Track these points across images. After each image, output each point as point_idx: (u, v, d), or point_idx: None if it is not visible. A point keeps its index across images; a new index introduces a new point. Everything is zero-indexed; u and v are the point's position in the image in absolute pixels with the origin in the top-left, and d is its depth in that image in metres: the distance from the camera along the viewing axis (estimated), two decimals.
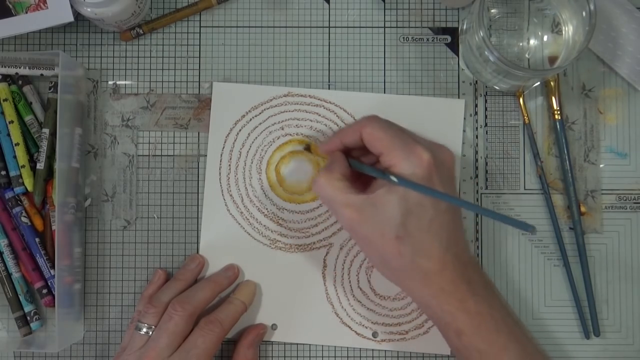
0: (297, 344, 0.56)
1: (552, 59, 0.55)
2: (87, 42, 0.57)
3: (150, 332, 0.50)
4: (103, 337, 0.57)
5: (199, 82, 0.57)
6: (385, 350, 0.56)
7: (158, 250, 0.57)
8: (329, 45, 0.57)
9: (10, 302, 0.56)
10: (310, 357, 0.56)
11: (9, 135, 0.55)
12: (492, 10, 0.56)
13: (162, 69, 0.57)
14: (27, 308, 0.56)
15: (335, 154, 0.51)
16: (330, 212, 0.56)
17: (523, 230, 0.41)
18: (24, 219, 0.55)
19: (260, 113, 0.57)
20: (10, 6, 0.52)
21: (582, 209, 0.56)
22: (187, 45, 0.57)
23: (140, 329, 0.51)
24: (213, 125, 0.57)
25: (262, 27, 0.57)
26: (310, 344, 0.56)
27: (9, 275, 0.56)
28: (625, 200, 0.56)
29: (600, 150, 0.57)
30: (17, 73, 0.55)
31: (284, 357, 0.56)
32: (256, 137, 0.57)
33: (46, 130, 0.54)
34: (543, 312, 0.56)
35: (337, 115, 0.57)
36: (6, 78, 0.56)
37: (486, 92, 0.57)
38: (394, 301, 0.56)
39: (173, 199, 0.57)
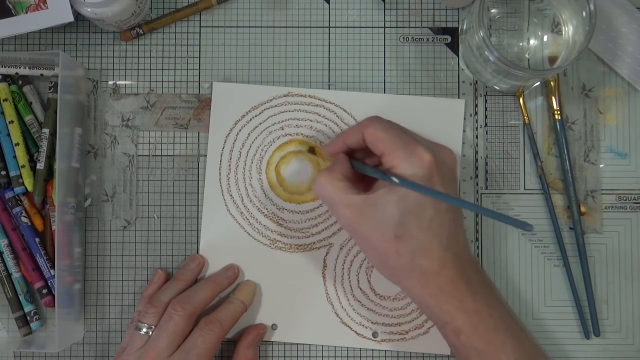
0: (297, 344, 0.56)
1: (552, 59, 0.55)
2: (87, 42, 0.57)
3: (150, 332, 0.50)
4: (103, 337, 0.57)
5: (199, 82, 0.57)
6: (385, 350, 0.56)
7: (158, 250, 0.57)
8: (329, 45, 0.57)
9: (10, 302, 0.56)
10: (310, 357, 0.56)
11: (9, 135, 0.55)
12: (492, 10, 0.56)
13: (162, 69, 0.57)
14: (27, 308, 0.56)
15: (338, 156, 0.51)
16: (330, 212, 0.56)
17: (520, 229, 0.42)
18: (24, 219, 0.55)
19: (260, 113, 0.57)
20: (10, 6, 0.52)
21: (582, 209, 0.56)
22: (187, 45, 0.57)
23: (140, 329, 0.51)
24: (213, 125, 0.57)
25: (262, 27, 0.57)
26: (310, 344, 0.56)
27: (9, 275, 0.56)
28: (625, 200, 0.56)
29: (600, 150, 0.57)
30: (17, 73, 0.55)
31: (284, 357, 0.56)
32: (256, 137, 0.57)
33: (46, 130, 0.54)
34: (543, 312, 0.56)
35: (337, 115, 0.57)
36: (6, 78, 0.56)
37: (486, 92, 0.57)
38: (394, 301, 0.56)
39: (173, 199, 0.57)
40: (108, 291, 0.57)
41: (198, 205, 0.57)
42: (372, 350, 0.56)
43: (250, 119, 0.57)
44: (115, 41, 0.57)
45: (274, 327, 0.56)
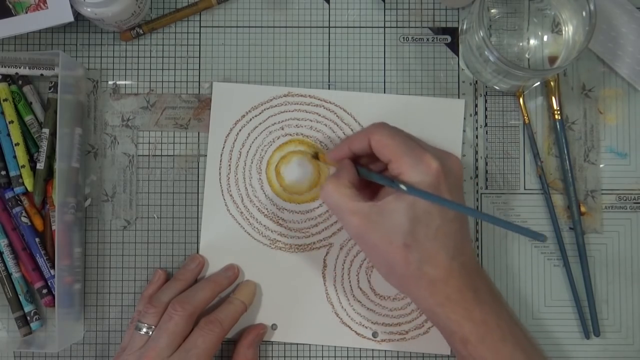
0: (297, 344, 0.56)
1: (552, 59, 0.55)
2: (87, 42, 0.57)
3: (150, 332, 0.50)
4: (103, 337, 0.57)
5: (199, 82, 0.57)
6: (385, 350, 0.56)
7: (158, 250, 0.57)
8: (329, 45, 0.57)
9: (10, 302, 0.56)
10: (310, 357, 0.56)
11: (9, 135, 0.55)
12: (492, 10, 0.56)
13: (162, 69, 0.57)
14: (27, 308, 0.56)
15: (344, 162, 0.51)
16: (337, 219, 0.56)
17: (534, 240, 0.41)
18: (24, 219, 0.55)
19: (260, 113, 0.57)
20: (10, 6, 0.52)
21: (582, 209, 0.56)
22: (187, 45, 0.57)
23: (140, 329, 0.51)
24: (213, 125, 0.57)
25: (262, 27, 0.57)
26: (310, 344, 0.56)
27: (9, 275, 0.56)
28: (625, 200, 0.56)
29: (600, 150, 0.57)
30: (17, 73, 0.55)
31: (284, 357, 0.56)
32: (256, 137, 0.57)
33: (46, 130, 0.54)
34: (543, 312, 0.56)
35: (337, 115, 0.57)
36: (6, 78, 0.56)
37: (486, 92, 0.57)
38: (394, 301, 0.56)
39: (173, 199, 0.57)
40: (108, 291, 0.57)
41: (198, 205, 0.57)
42: (372, 350, 0.56)
43: (250, 119, 0.57)
44: (115, 41, 0.57)
45: (274, 327, 0.56)
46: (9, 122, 0.55)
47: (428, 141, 0.56)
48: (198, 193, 0.57)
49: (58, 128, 0.51)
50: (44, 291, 0.55)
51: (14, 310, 0.55)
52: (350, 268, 0.56)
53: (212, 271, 0.56)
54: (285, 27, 0.57)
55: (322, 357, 0.56)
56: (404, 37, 0.57)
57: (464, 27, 0.56)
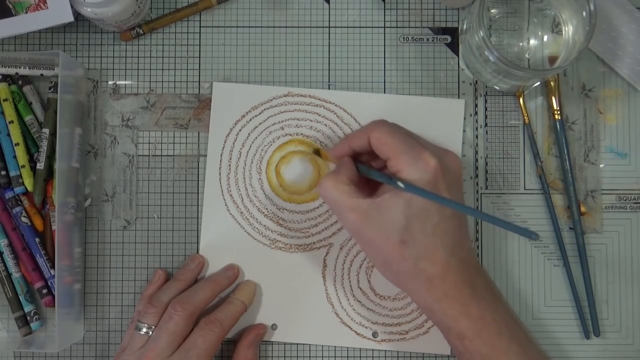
0: (297, 344, 0.56)
1: (552, 59, 0.55)
2: (87, 42, 0.57)
3: (150, 332, 0.50)
4: (103, 337, 0.57)
5: (199, 82, 0.57)
6: (385, 350, 0.56)
7: (158, 250, 0.57)
8: (329, 45, 0.57)
9: (10, 302, 0.56)
10: (310, 357, 0.56)
11: (9, 135, 0.55)
12: (492, 10, 0.56)
13: (162, 69, 0.57)
14: (27, 308, 0.56)
15: (344, 159, 0.51)
16: (335, 215, 0.56)
17: (527, 238, 0.42)
18: (24, 219, 0.55)
19: (260, 113, 0.57)
20: (10, 6, 0.52)
21: (582, 209, 0.56)
22: (187, 45, 0.57)
23: (140, 329, 0.51)
24: (213, 125, 0.57)
25: (262, 27, 0.57)
26: (310, 344, 0.56)
27: (9, 275, 0.56)
28: (625, 200, 0.56)
29: (600, 150, 0.57)
30: (17, 73, 0.55)
31: (284, 357, 0.56)
32: (256, 137, 0.57)
33: (46, 130, 0.54)
34: (543, 312, 0.56)
35: (337, 115, 0.57)
36: (6, 78, 0.56)
37: (486, 92, 0.57)
38: (394, 301, 0.56)
39: (173, 199, 0.57)
40: (108, 291, 0.57)
41: (198, 205, 0.57)
42: (372, 350, 0.56)
43: (250, 119, 0.57)
44: (115, 41, 0.57)
45: (274, 327, 0.56)
46: (9, 122, 0.55)
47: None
48: (198, 193, 0.57)
49: (58, 128, 0.51)
50: (44, 291, 0.55)
51: (14, 310, 0.55)
52: (350, 268, 0.56)
53: (212, 271, 0.56)
54: (285, 27, 0.57)
55: (322, 357, 0.56)
56: (404, 37, 0.57)
57: (464, 27, 0.56)
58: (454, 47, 0.57)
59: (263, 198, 0.56)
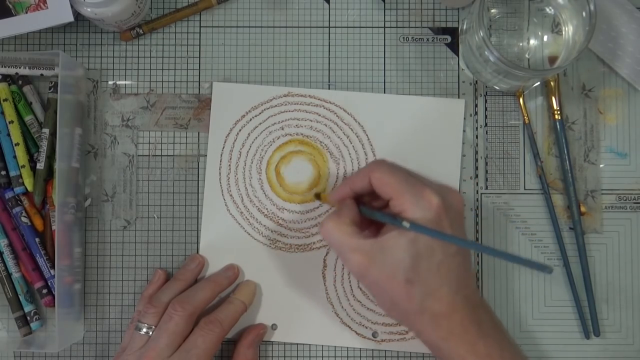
0: (297, 344, 0.56)
1: (552, 59, 0.55)
2: (87, 42, 0.57)
3: (150, 332, 0.50)
4: (103, 337, 0.57)
5: (199, 82, 0.57)
6: (385, 350, 0.56)
7: (158, 250, 0.57)
8: (329, 45, 0.57)
9: (10, 302, 0.56)
10: (310, 357, 0.56)
11: (9, 135, 0.55)
12: (492, 10, 0.56)
13: (162, 69, 0.57)
14: (27, 308, 0.56)
15: (346, 201, 0.51)
16: (338, 257, 0.55)
17: (540, 272, 0.42)
18: (24, 219, 0.55)
19: (260, 113, 0.57)
20: (10, 6, 0.52)
21: (582, 209, 0.56)
22: (187, 45, 0.57)
23: (140, 329, 0.51)
24: (213, 125, 0.57)
25: (262, 27, 0.57)
26: (310, 344, 0.56)
27: (9, 275, 0.56)
28: (625, 200, 0.56)
29: (600, 150, 0.57)
30: (17, 73, 0.55)
31: (284, 357, 0.56)
32: (256, 137, 0.57)
33: (46, 130, 0.54)
34: (543, 312, 0.56)
35: (337, 115, 0.57)
36: (6, 78, 0.56)
37: (486, 92, 0.57)
38: None
39: (173, 199, 0.57)
40: (108, 291, 0.57)
41: (198, 205, 0.57)
42: (372, 350, 0.56)
43: (250, 119, 0.57)
44: (115, 41, 0.57)
45: (274, 327, 0.56)
46: (9, 122, 0.55)
47: (428, 141, 0.56)
48: (198, 193, 0.57)
49: (58, 128, 0.51)
50: (44, 291, 0.55)
51: (14, 310, 0.55)
52: None
53: (212, 271, 0.56)
54: (285, 27, 0.57)
55: (322, 357, 0.56)
56: (404, 37, 0.57)
57: (464, 27, 0.56)
58: (454, 47, 0.57)
59: (263, 198, 0.56)
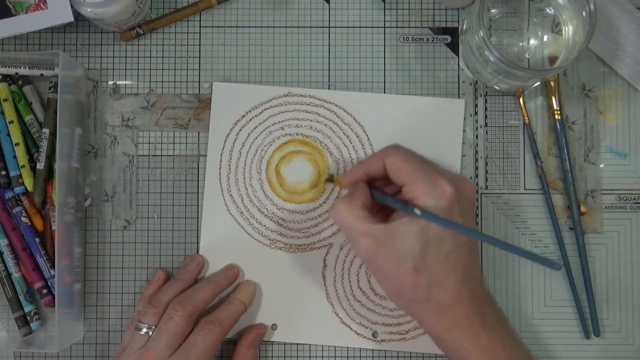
0: (297, 344, 0.56)
1: (552, 59, 0.55)
2: (87, 42, 0.57)
3: (150, 332, 0.50)
4: (103, 337, 0.57)
5: (199, 82, 0.57)
6: (385, 350, 0.56)
7: (158, 250, 0.57)
8: (329, 45, 0.57)
9: (10, 302, 0.56)
10: (310, 357, 0.56)
11: (9, 135, 0.55)
12: (492, 10, 0.56)
13: (162, 69, 0.57)
14: (27, 308, 0.56)
15: (358, 184, 0.50)
16: (347, 240, 0.55)
17: (548, 268, 0.42)
18: (24, 219, 0.55)
19: (260, 113, 0.57)
20: (10, 6, 0.52)
21: (582, 209, 0.56)
22: (187, 45, 0.57)
23: (140, 329, 0.51)
24: (213, 125, 0.57)
25: (262, 27, 0.57)
26: (310, 344, 0.56)
27: (9, 275, 0.56)
28: (625, 200, 0.56)
29: (600, 150, 0.57)
30: (17, 73, 0.55)
31: (284, 357, 0.56)
32: (256, 137, 0.57)
33: (46, 130, 0.54)
34: (543, 312, 0.56)
35: (337, 115, 0.57)
36: (6, 78, 0.56)
37: (486, 92, 0.57)
38: None
39: (173, 199, 0.57)
40: (108, 291, 0.57)
41: (198, 205, 0.57)
42: (372, 350, 0.56)
43: (250, 119, 0.57)
44: (115, 41, 0.57)
45: (274, 327, 0.56)
46: (9, 122, 0.55)
47: (428, 141, 0.56)
48: (198, 193, 0.57)
49: (58, 128, 0.51)
50: (44, 291, 0.55)
51: (14, 310, 0.55)
52: (350, 268, 0.56)
53: (212, 271, 0.56)
54: (285, 27, 0.57)
55: (322, 357, 0.56)
56: (404, 37, 0.57)
57: (464, 27, 0.56)
58: (454, 47, 0.57)
59: (263, 198, 0.56)
